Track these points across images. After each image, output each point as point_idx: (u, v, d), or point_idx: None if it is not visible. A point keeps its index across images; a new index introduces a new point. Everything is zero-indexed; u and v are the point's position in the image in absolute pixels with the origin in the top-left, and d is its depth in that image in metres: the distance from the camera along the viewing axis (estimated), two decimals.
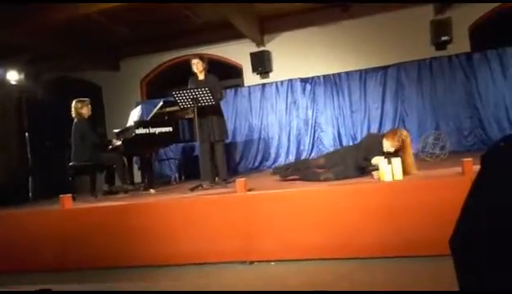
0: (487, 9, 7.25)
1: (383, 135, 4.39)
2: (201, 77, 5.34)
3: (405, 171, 3.90)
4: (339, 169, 4.43)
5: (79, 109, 5.55)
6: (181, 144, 7.84)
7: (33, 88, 8.00)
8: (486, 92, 7.01)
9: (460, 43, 7.31)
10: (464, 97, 7.10)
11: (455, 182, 3.33)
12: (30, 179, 7.06)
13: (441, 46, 7.35)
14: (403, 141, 4.18)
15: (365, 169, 4.49)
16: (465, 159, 3.36)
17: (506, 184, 0.75)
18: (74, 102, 5.59)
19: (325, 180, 4.37)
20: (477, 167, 0.84)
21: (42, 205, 5.53)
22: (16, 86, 7.48)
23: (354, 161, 4.43)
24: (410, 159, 4.11)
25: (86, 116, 5.60)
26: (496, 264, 0.74)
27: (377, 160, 4.14)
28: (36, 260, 4.24)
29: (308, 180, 4.49)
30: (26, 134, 7.42)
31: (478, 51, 7.14)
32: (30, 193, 6.98)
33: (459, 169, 3.50)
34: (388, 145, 4.24)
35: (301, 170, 4.83)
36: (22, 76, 7.40)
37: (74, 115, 5.56)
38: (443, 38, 7.20)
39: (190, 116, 5.46)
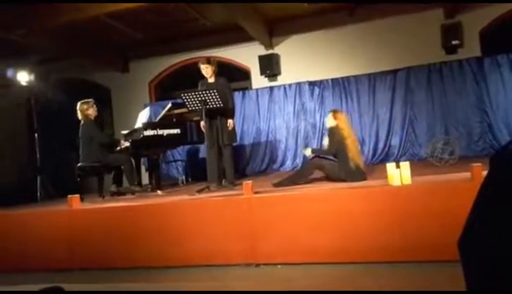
0: (497, 13, 7.19)
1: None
2: (211, 80, 5.35)
3: None
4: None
5: (85, 110, 5.52)
6: (188, 146, 7.86)
7: (43, 89, 8.07)
8: (496, 97, 6.94)
9: (471, 47, 7.25)
10: (474, 102, 7.03)
11: (464, 187, 3.29)
12: (39, 179, 7.11)
13: (451, 50, 7.29)
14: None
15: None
16: (475, 164, 3.33)
17: None
18: (78, 104, 5.56)
19: (312, 162, 4.79)
20: (486, 173, 0.83)
21: (50, 205, 5.57)
22: (26, 87, 7.55)
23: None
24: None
25: (92, 117, 5.58)
26: (505, 265, 0.74)
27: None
28: (44, 259, 4.27)
29: (299, 182, 4.68)
30: (35, 134, 7.47)
31: (489, 56, 7.08)
32: (38, 194, 7.02)
33: (468, 174, 3.47)
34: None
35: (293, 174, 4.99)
36: (32, 77, 7.47)
37: (80, 117, 5.54)
38: (454, 42, 7.15)
39: (197, 118, 5.46)
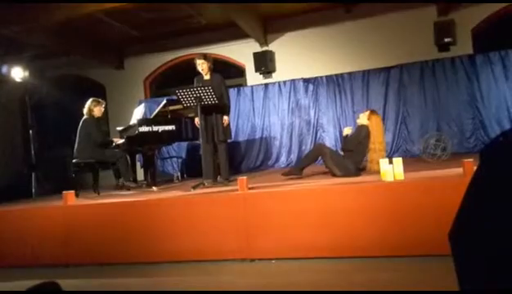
0: (490, 11, 7.25)
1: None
2: (207, 76, 5.36)
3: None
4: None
5: (93, 107, 5.68)
6: (183, 143, 7.87)
7: (38, 86, 8.04)
8: (488, 94, 7.01)
9: (463, 45, 7.31)
10: (467, 99, 7.10)
11: (456, 183, 3.34)
12: (33, 175, 7.10)
13: (444, 47, 7.35)
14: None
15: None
16: (466, 160, 3.38)
17: (505, 180, 0.75)
18: (90, 100, 5.73)
19: (316, 148, 5.04)
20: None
21: (45, 201, 5.57)
22: (21, 83, 7.53)
23: None
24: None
25: (95, 115, 5.70)
26: (494, 260, 0.75)
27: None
28: (38, 254, 4.28)
29: (305, 165, 4.89)
30: (30, 131, 7.46)
31: (481, 53, 7.14)
32: (33, 190, 7.01)
33: (460, 170, 3.52)
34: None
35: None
36: (27, 73, 7.45)
37: (85, 112, 5.67)
38: (446, 40, 7.20)
39: (192, 115, 5.47)
